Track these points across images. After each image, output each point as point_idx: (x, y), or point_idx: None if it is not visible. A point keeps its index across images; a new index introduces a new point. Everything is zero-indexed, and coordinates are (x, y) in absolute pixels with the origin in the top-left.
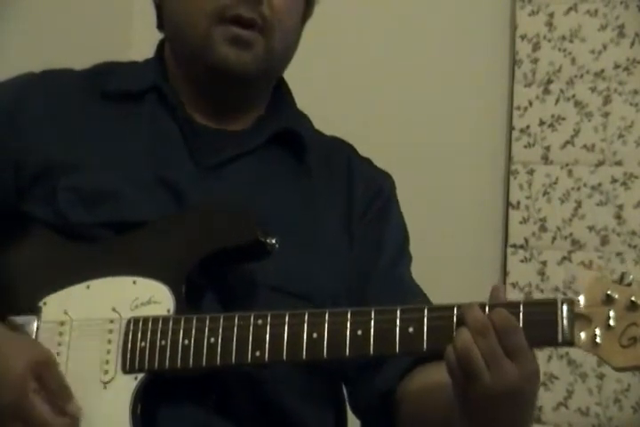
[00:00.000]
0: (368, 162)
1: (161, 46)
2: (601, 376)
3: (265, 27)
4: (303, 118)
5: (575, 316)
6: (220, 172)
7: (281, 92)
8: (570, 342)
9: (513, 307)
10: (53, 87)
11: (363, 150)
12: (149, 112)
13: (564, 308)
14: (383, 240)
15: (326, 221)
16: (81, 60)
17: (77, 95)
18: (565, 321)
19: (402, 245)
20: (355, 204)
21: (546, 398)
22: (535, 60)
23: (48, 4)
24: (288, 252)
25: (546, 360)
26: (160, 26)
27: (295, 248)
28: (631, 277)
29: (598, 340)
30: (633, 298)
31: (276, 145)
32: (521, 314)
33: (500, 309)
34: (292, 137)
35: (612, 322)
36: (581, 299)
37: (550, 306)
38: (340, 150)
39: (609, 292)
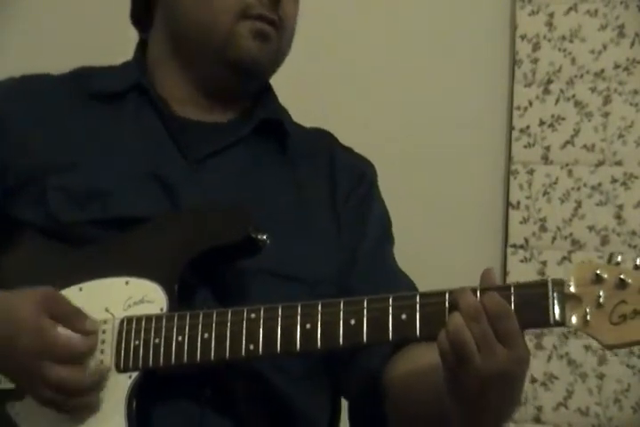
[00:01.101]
0: (350, 150)
1: (141, 46)
2: (601, 376)
3: (280, 27)
4: (284, 112)
5: (565, 296)
6: (209, 164)
7: (264, 88)
8: (561, 322)
9: (504, 290)
10: (36, 90)
11: (362, 150)
12: (133, 110)
13: (555, 289)
14: (367, 224)
15: (314, 208)
16: (81, 61)
17: (60, 98)
18: (556, 302)
19: (385, 229)
20: (338, 190)
21: (546, 398)
22: (535, 60)
23: (48, 4)
24: (281, 237)
25: (546, 360)
26: (140, 24)
27: (288, 234)
28: (619, 257)
29: (589, 318)
30: (622, 276)
31: (261, 135)
32: (512, 296)
33: (492, 293)
34: (276, 127)
35: (601, 301)
36: (571, 279)
37: (541, 288)
38: (322, 140)
39: (598, 271)
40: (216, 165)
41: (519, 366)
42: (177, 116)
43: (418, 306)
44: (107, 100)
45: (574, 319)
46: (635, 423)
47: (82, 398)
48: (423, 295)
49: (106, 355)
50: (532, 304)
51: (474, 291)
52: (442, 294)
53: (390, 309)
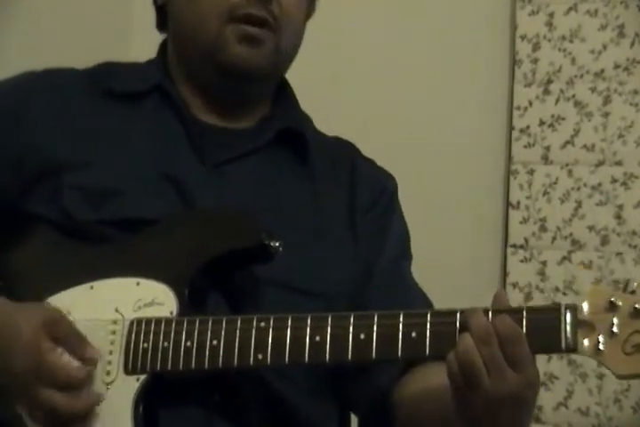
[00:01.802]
0: (371, 162)
1: (163, 46)
2: (601, 376)
3: (275, 25)
4: (306, 119)
5: (578, 323)
6: (225, 170)
7: (285, 93)
8: (573, 348)
9: (516, 313)
10: (56, 86)
11: (363, 150)
12: (153, 111)
13: (568, 314)
14: (385, 239)
15: (331, 219)
16: (81, 60)
17: (81, 94)
18: (569, 328)
19: (403, 245)
20: (358, 203)
21: (546, 398)
22: (535, 60)
23: (48, 4)
24: (296, 249)
25: (546, 360)
26: (160, 26)
27: (303, 246)
28: (635, 284)
29: (601, 347)
30: (637, 305)
31: (281, 144)
32: (524, 320)
33: (503, 315)
34: (296, 137)
35: (615, 329)
36: (585, 306)
37: (553, 312)
38: (344, 150)
39: (612, 299)
40: (233, 172)
41: (529, 391)
42: (197, 120)
43: (428, 324)
44: (127, 99)
45: (586, 347)
46: (635, 423)
47: (74, 424)
48: (434, 314)
49: (114, 356)
50: (544, 329)
51: (485, 312)
52: (453, 313)
53: (400, 326)
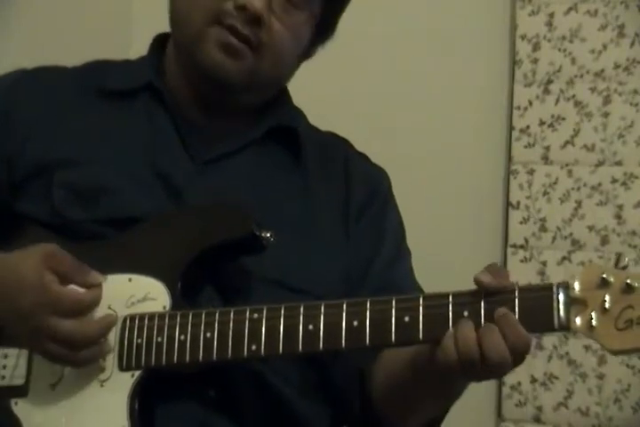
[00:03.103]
0: (365, 158)
1: (156, 43)
2: (601, 376)
3: (258, 48)
4: (298, 114)
5: (571, 300)
6: (216, 167)
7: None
8: (566, 326)
9: (508, 293)
10: (47, 84)
11: (362, 150)
12: (144, 109)
13: (560, 292)
14: (383, 240)
15: (323, 217)
16: (81, 61)
17: (71, 92)
18: (561, 306)
19: (399, 245)
20: (352, 202)
21: (546, 398)
22: (535, 60)
23: (48, 4)
24: (287, 247)
25: (546, 360)
26: None
27: (293, 243)
28: (626, 259)
29: (594, 323)
30: (628, 281)
31: (272, 141)
32: (516, 300)
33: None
34: (288, 133)
35: (607, 305)
36: (577, 283)
37: (546, 291)
38: (337, 146)
39: (604, 275)
40: (223, 169)
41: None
42: (187, 118)
43: (421, 308)
44: (118, 98)
45: (579, 324)
46: (635, 423)
47: (88, 351)
48: (426, 298)
49: (109, 353)
50: (537, 308)
51: (477, 294)
52: (445, 295)
53: (393, 311)
